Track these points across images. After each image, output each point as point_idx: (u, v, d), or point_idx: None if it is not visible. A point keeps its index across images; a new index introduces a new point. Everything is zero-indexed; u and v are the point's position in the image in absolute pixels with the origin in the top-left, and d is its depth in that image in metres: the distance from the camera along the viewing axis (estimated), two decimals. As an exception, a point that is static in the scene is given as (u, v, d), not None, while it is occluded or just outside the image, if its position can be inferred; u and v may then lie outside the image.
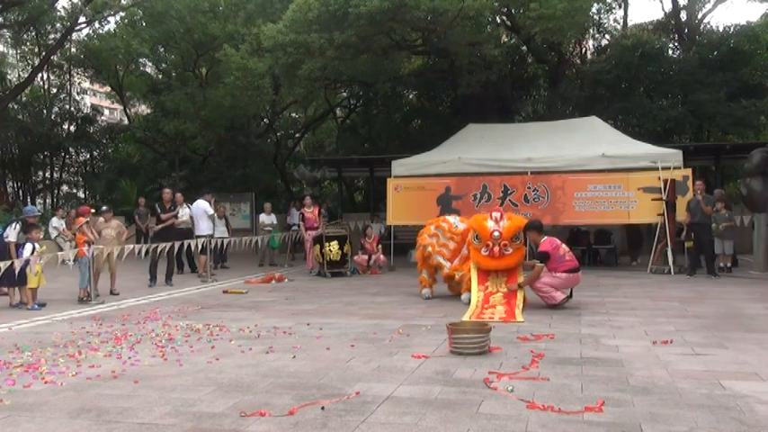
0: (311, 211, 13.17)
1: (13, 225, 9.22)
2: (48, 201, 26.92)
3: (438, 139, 15.85)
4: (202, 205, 12.34)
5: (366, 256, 12.83)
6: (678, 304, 7.81)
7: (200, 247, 11.70)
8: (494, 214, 7.83)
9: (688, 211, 11.12)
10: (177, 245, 11.16)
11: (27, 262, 8.48)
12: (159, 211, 11.74)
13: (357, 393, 4.15)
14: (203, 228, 12.22)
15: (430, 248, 8.63)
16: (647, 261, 12.02)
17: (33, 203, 24.33)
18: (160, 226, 11.70)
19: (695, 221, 10.95)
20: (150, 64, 24.60)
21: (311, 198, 13.77)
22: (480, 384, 4.32)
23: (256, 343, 5.91)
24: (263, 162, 23.99)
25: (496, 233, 7.47)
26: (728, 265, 11.47)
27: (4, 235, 9.15)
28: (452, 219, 8.89)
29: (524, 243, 7.98)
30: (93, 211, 10.83)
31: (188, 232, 12.11)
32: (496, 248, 7.47)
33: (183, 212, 12.19)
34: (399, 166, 14.06)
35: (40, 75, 24.77)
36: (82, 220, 9.84)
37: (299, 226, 14.07)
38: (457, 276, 8.25)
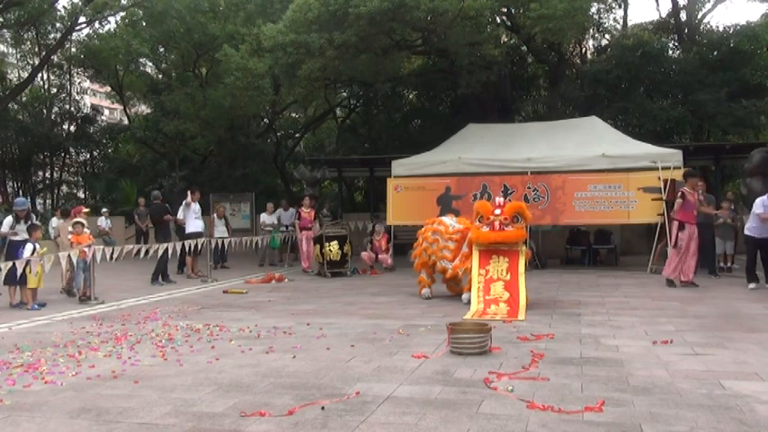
0: (308, 212, 13.19)
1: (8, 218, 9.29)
2: (48, 201, 26.92)
3: (438, 139, 15.84)
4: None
5: (374, 254, 12.87)
6: (678, 304, 7.81)
7: (187, 247, 11.53)
8: (497, 199, 8.14)
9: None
10: (178, 245, 11.19)
11: (28, 262, 8.48)
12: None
13: (357, 393, 4.15)
14: (191, 226, 12.21)
15: (434, 257, 8.63)
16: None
17: (33, 203, 24.33)
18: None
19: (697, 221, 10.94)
20: (150, 64, 24.63)
21: (310, 198, 13.80)
22: (480, 384, 4.32)
23: (256, 343, 5.91)
24: (263, 162, 24.02)
25: (498, 210, 7.71)
26: (729, 264, 11.47)
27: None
28: (448, 220, 8.88)
29: (526, 227, 8.13)
30: (86, 210, 10.83)
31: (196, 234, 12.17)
32: (497, 223, 7.61)
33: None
34: (399, 166, 14.06)
35: (40, 75, 24.79)
36: (74, 219, 9.86)
37: (291, 226, 14.22)
38: (460, 273, 8.26)
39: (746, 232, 9.50)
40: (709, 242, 10.95)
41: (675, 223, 9.64)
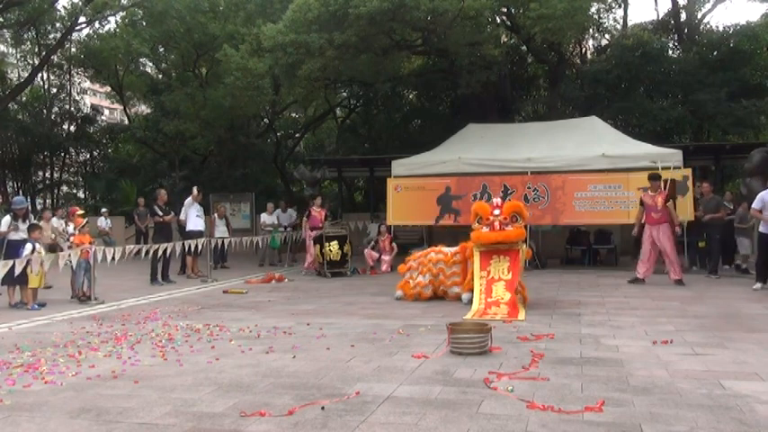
0: (319, 211, 13.19)
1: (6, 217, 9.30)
2: (48, 201, 26.93)
3: (438, 139, 15.84)
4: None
5: (377, 254, 12.89)
6: (678, 304, 7.81)
7: (186, 247, 11.50)
8: (494, 200, 8.24)
9: (706, 211, 11.19)
10: (178, 244, 11.19)
11: (29, 262, 8.48)
12: (158, 212, 11.64)
13: (357, 393, 4.15)
14: (191, 224, 12.21)
15: (443, 287, 8.47)
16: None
17: (33, 203, 24.34)
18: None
19: (708, 221, 11.06)
20: (150, 64, 24.65)
21: (322, 198, 13.90)
22: (480, 384, 4.32)
23: (256, 343, 5.91)
24: (263, 162, 24.02)
25: (497, 210, 7.78)
26: (744, 266, 11.40)
27: None
28: (446, 249, 8.78)
29: (524, 227, 8.15)
30: (80, 212, 10.81)
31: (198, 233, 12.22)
32: (497, 223, 7.67)
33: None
34: (399, 166, 14.07)
35: (40, 75, 24.79)
36: (81, 221, 9.87)
37: (294, 227, 14.30)
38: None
39: (763, 230, 9.29)
40: (718, 242, 10.98)
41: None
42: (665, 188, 11.51)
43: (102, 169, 26.36)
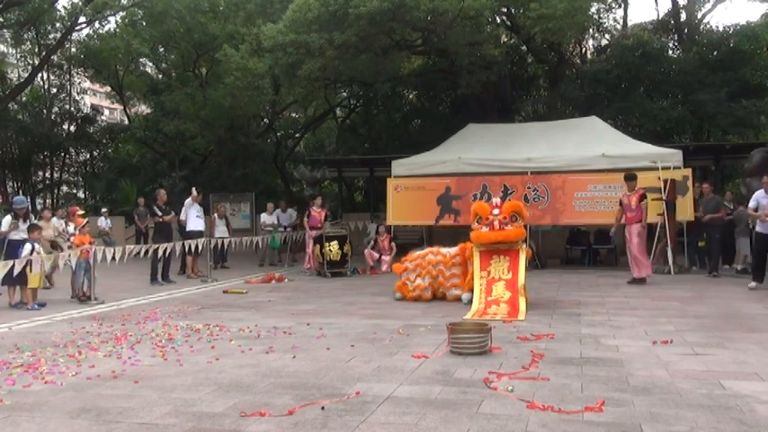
0: (319, 211, 13.19)
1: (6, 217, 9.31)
2: (48, 201, 26.94)
3: (438, 139, 15.85)
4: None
5: (377, 254, 12.89)
6: (678, 304, 7.81)
7: (186, 247, 11.49)
8: (494, 200, 8.27)
9: (706, 211, 11.23)
10: (178, 244, 11.20)
11: (29, 262, 8.48)
12: (157, 212, 11.62)
13: (357, 393, 4.15)
14: (191, 224, 12.24)
15: (442, 288, 8.48)
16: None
17: (33, 203, 24.35)
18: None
19: (708, 221, 11.08)
20: (150, 64, 24.66)
21: (322, 198, 13.93)
22: (480, 384, 4.32)
23: (256, 343, 5.91)
24: (263, 162, 24.03)
25: (496, 210, 7.81)
26: (744, 267, 11.39)
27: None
28: (443, 249, 8.78)
29: (524, 227, 8.18)
30: (80, 213, 10.82)
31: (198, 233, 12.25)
32: (496, 222, 7.70)
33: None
34: (399, 166, 14.07)
35: (40, 75, 24.81)
36: (81, 221, 9.86)
37: (294, 227, 14.28)
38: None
39: (760, 229, 9.31)
40: (718, 241, 10.98)
41: None
42: (665, 188, 11.55)
43: (102, 169, 26.37)
